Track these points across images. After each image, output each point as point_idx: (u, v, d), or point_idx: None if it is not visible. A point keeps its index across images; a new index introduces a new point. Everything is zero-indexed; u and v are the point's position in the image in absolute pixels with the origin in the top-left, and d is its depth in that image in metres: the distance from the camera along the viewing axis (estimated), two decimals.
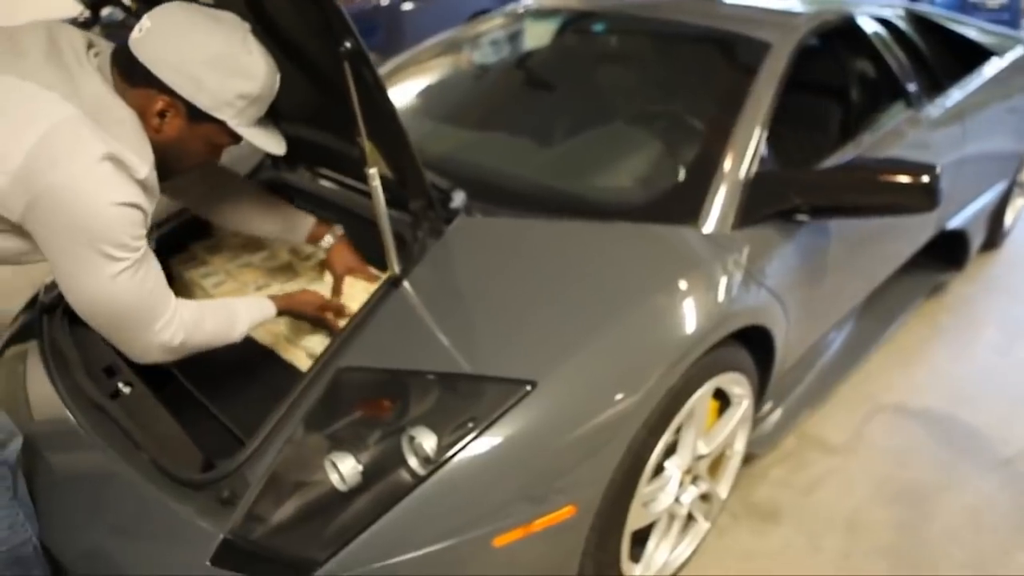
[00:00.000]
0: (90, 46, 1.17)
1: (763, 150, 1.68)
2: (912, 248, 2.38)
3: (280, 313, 1.42)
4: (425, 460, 1.14)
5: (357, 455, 1.16)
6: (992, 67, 2.66)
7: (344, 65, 1.15)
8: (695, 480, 1.59)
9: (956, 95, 2.42)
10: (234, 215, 1.63)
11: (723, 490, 1.73)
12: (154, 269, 1.17)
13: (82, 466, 1.35)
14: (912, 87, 2.27)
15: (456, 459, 1.14)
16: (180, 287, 1.81)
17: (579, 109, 2.11)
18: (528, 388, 1.19)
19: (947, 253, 2.73)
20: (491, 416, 1.17)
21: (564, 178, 1.76)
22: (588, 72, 2.31)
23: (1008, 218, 3.17)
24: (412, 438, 1.16)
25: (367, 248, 1.75)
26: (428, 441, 1.15)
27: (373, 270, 1.62)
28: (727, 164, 1.62)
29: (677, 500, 1.54)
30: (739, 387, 1.58)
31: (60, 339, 1.51)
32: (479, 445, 1.15)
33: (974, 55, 2.72)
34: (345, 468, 1.15)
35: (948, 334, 2.66)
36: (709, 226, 1.54)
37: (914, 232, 2.34)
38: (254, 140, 1.20)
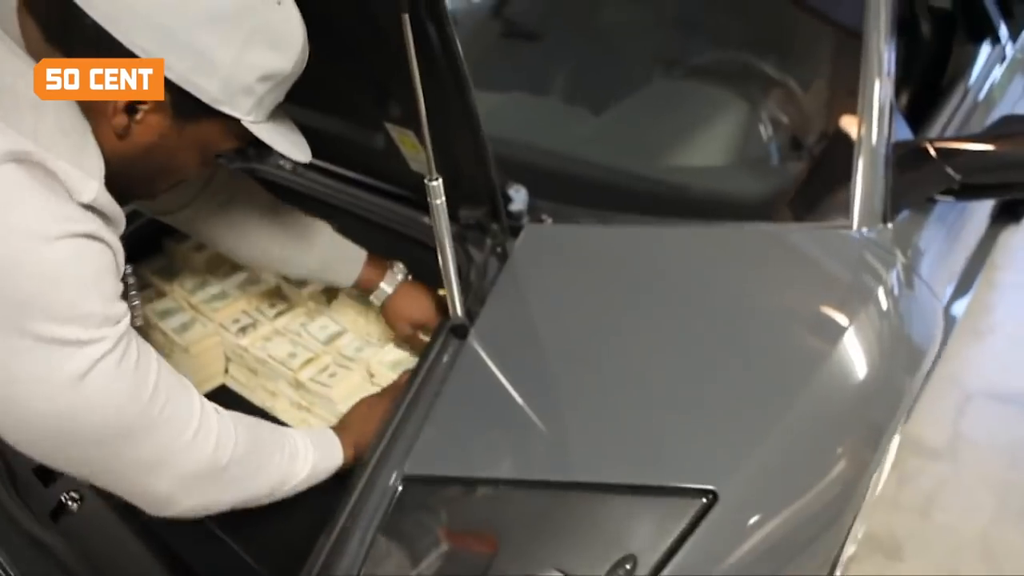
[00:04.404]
0: None
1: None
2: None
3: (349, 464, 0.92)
4: None
5: None
6: None
7: (404, 20, 0.71)
8: None
9: None
10: (247, 245, 1.10)
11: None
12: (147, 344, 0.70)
13: None
14: (998, 19, 1.92)
15: None
16: None
17: (623, 60, 1.66)
18: (704, 500, 0.81)
19: (1003, 205, 2.44)
20: (660, 548, 0.78)
21: (645, 161, 1.34)
22: (611, 12, 1.85)
23: None
24: None
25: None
26: None
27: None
28: (861, 133, 1.24)
29: None
30: None
31: None
32: None
33: None
34: None
35: (1012, 295, 2.41)
36: (859, 221, 1.16)
37: None
38: (276, 145, 0.74)
